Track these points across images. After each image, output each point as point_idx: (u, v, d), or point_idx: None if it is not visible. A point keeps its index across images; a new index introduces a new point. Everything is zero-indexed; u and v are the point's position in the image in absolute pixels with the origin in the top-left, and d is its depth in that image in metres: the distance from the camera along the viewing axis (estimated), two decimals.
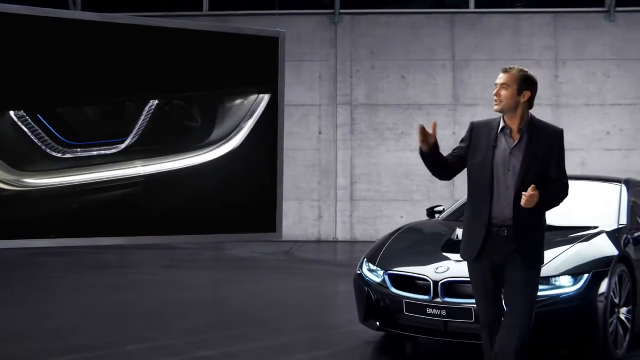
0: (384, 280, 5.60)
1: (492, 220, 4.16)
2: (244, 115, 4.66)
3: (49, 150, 3.74)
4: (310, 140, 14.02)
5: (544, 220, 4.28)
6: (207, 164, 4.53)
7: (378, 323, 5.60)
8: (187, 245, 12.80)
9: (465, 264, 5.34)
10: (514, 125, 4.19)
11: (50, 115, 3.81)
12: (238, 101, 4.65)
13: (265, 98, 4.66)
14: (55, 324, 6.61)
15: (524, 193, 4.03)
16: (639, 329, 5.76)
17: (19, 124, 3.67)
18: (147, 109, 4.28)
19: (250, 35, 4.65)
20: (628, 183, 6.62)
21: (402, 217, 13.13)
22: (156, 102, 4.32)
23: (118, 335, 6.23)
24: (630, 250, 5.78)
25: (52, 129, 3.83)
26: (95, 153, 4.03)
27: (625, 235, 5.89)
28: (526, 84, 4.16)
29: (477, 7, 13.93)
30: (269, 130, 4.66)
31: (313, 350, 5.78)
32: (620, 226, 6.00)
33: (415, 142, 13.79)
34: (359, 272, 5.91)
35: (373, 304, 5.64)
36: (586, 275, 5.16)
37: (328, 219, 13.98)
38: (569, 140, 13.00)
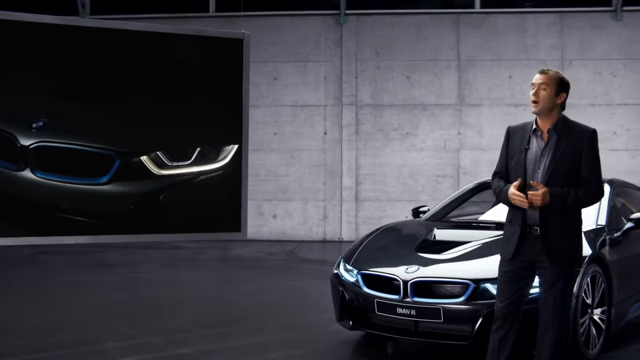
0: (357, 279, 5.64)
1: (526, 220, 4.27)
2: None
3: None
4: (316, 141, 14.09)
5: (578, 220, 4.35)
6: None
7: (351, 322, 5.64)
8: (191, 244, 12.94)
9: (436, 265, 5.48)
10: (545, 126, 4.33)
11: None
12: (205, 102, 4.73)
13: (231, 99, 4.74)
14: (42, 321, 6.73)
15: (530, 192, 4.16)
16: (615, 329, 5.76)
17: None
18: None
19: (215, 37, 4.70)
20: (612, 183, 6.59)
21: (407, 217, 13.12)
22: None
23: (101, 332, 6.32)
24: (606, 250, 5.76)
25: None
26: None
27: (602, 236, 5.87)
28: (562, 86, 4.31)
29: (482, 7, 13.90)
30: (234, 131, 4.72)
31: (289, 349, 5.83)
32: (598, 226, 5.98)
33: (420, 142, 13.89)
34: (335, 271, 5.96)
35: (347, 304, 5.69)
36: None
37: (333, 218, 14.03)
38: None
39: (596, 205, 6.22)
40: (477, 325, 5.05)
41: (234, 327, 6.56)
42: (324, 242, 13.88)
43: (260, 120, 14.11)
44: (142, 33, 4.52)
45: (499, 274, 4.43)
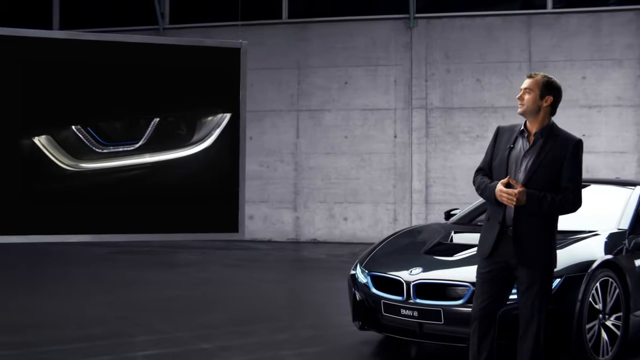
0: (367, 281, 5.75)
1: (505, 219, 4.32)
2: (215, 123, 4.99)
3: (93, 147, 4.74)
4: (386, 144, 14.17)
5: (552, 225, 4.35)
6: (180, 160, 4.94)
7: (360, 323, 5.76)
8: (263, 246, 13.30)
9: (440, 267, 5.52)
10: (534, 129, 4.36)
11: (94, 127, 4.75)
12: (208, 109, 4.97)
13: (231, 104, 4.96)
14: (85, 315, 7.15)
15: (509, 190, 4.19)
16: (634, 336, 5.63)
17: (77, 132, 4.68)
18: (152, 123, 4.86)
19: (212, 47, 4.93)
20: None
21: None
22: (158, 119, 4.86)
23: (136, 327, 6.67)
24: (624, 255, 5.63)
25: (95, 135, 4.75)
26: (120, 149, 4.78)
27: (622, 240, 5.75)
28: (548, 89, 4.32)
29: (554, 7, 13.62)
30: (232, 135, 4.94)
31: (304, 347, 6.00)
32: (619, 230, 5.85)
33: None
34: (352, 272, 6.07)
35: (359, 304, 5.81)
36: (557, 280, 5.10)
37: (403, 221, 14.06)
38: None
39: (620, 208, 6.11)
40: None
41: (261, 324, 6.77)
42: None
43: (331, 124, 14.33)
44: (139, 45, 4.80)
45: (477, 275, 4.45)
